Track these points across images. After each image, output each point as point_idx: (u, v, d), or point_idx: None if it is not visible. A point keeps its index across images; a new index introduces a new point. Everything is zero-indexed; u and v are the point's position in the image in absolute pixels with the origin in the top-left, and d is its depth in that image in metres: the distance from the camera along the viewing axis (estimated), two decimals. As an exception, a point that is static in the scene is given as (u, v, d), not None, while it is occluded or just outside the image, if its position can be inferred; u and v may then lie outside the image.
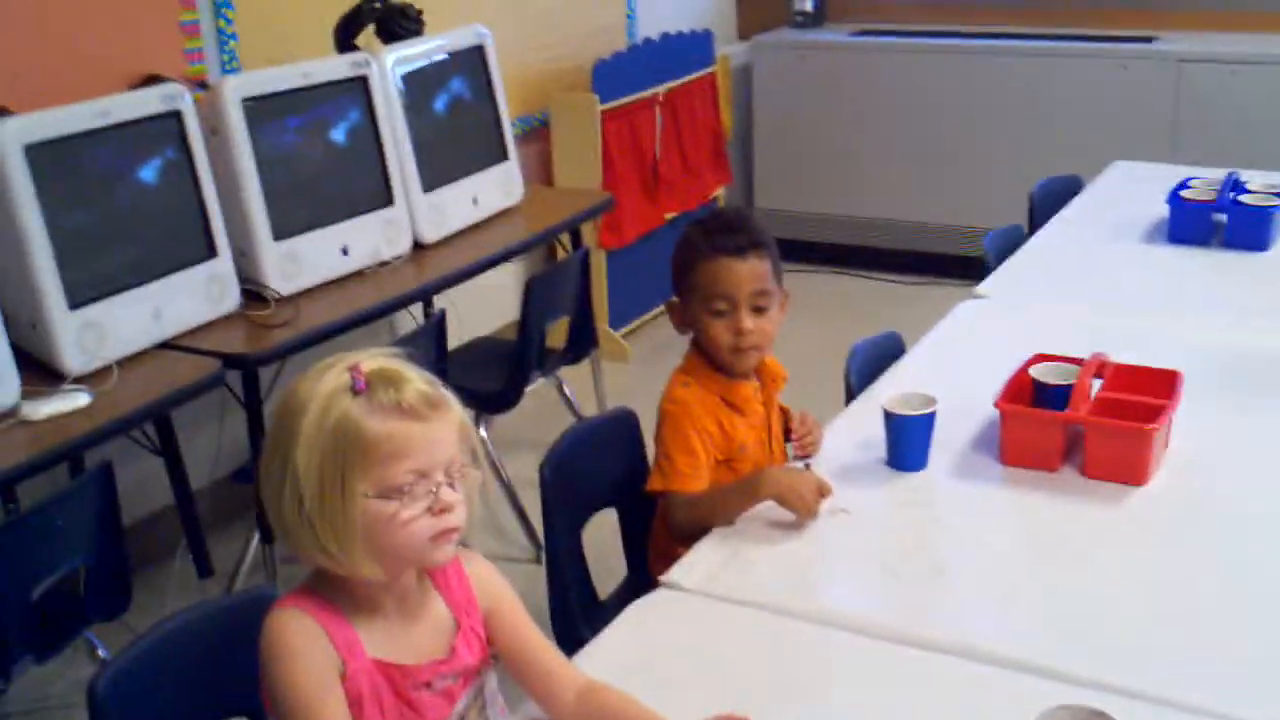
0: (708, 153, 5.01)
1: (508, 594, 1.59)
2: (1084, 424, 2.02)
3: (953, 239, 5.11)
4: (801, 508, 1.92)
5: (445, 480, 1.42)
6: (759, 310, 2.09)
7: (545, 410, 3.92)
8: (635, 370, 4.47)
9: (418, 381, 1.42)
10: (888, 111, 5.19)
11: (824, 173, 5.36)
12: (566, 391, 3.73)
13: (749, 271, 2.08)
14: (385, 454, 1.38)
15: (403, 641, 1.48)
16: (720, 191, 5.13)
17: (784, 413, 2.25)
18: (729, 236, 2.09)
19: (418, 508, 1.40)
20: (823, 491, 1.94)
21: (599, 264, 4.47)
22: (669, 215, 4.75)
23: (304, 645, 1.41)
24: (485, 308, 4.05)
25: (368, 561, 1.40)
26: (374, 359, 1.43)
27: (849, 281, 5.26)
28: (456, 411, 1.46)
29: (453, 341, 3.62)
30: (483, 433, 3.38)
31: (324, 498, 1.37)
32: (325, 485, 1.37)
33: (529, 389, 3.45)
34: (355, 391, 1.38)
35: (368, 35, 3.39)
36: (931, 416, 2.05)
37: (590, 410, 3.79)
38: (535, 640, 1.57)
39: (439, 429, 1.42)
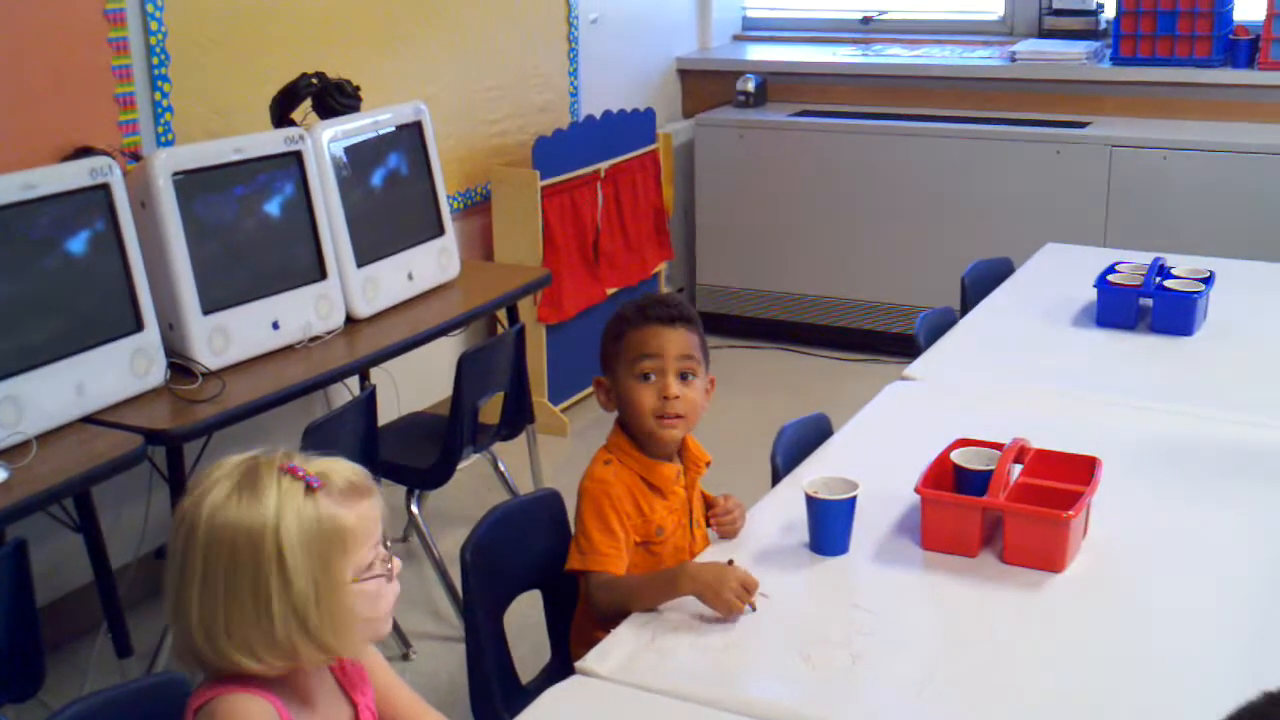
0: (649, 229, 5.03)
1: (379, 660, 1.66)
2: (1002, 510, 2.03)
3: (891, 317, 5.16)
4: (721, 607, 1.90)
5: (387, 547, 1.52)
6: (684, 377, 2.12)
7: (480, 485, 3.91)
8: (574, 444, 4.46)
9: (335, 461, 1.50)
10: (827, 190, 5.25)
11: (765, 249, 5.40)
12: (501, 467, 3.70)
13: (677, 337, 2.13)
14: (360, 537, 1.46)
15: None
16: (662, 267, 5.16)
17: (706, 499, 2.24)
18: (659, 307, 2.16)
19: (382, 581, 1.49)
20: (747, 586, 1.91)
21: (539, 338, 4.47)
22: (610, 290, 4.76)
23: None
24: (424, 382, 4.04)
25: (361, 644, 1.51)
26: (270, 458, 1.46)
27: (788, 358, 5.28)
28: None
29: (390, 416, 3.61)
30: (414, 509, 3.35)
31: (320, 599, 1.42)
32: (320, 586, 1.42)
33: (464, 464, 3.43)
34: (310, 488, 1.43)
35: (305, 110, 3.40)
36: (852, 502, 2.06)
37: (526, 485, 3.77)
38: (405, 697, 1.66)
39: (379, 501, 1.52)
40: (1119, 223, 4.78)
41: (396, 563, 1.52)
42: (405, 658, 3.20)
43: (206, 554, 1.41)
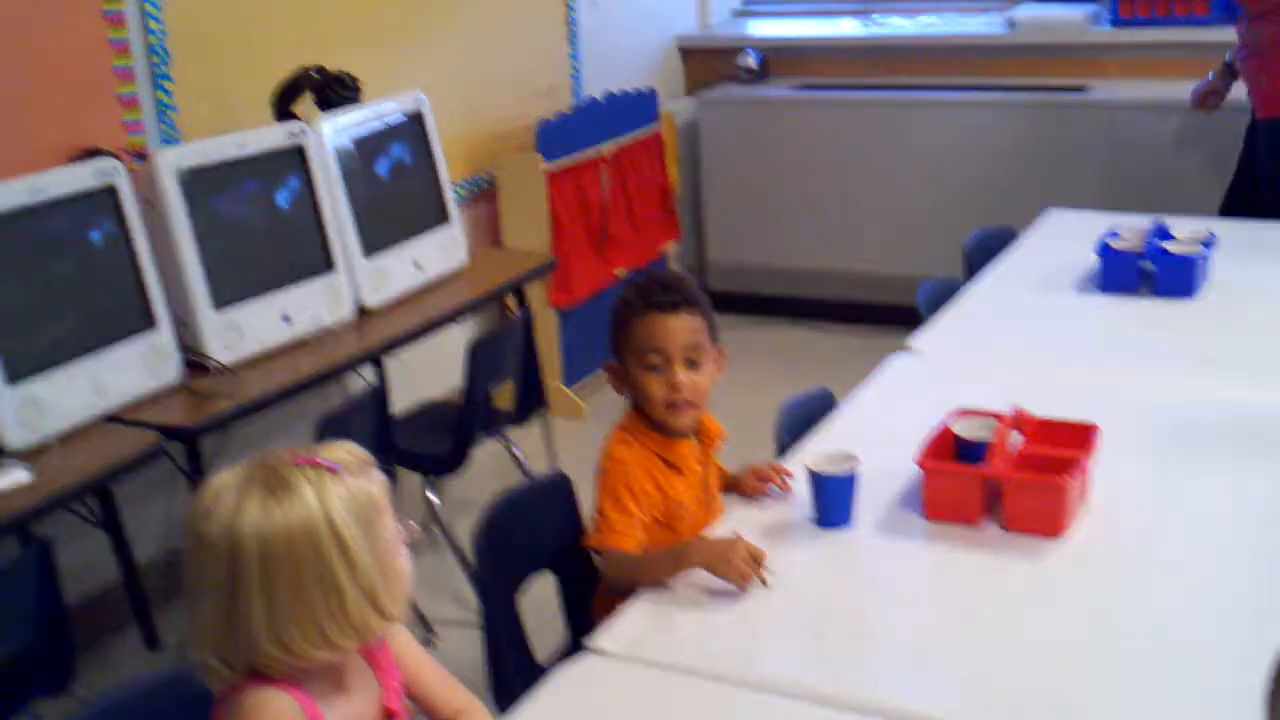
0: (656, 209, 5.06)
1: (408, 639, 1.70)
2: (1001, 478, 2.06)
3: (896, 289, 5.17)
4: (732, 576, 1.93)
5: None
6: (692, 365, 2.14)
7: (498, 471, 3.94)
8: (590, 427, 4.49)
9: (333, 445, 1.54)
10: (831, 163, 5.26)
11: (772, 225, 5.42)
12: (515, 452, 3.75)
13: (681, 326, 2.14)
14: (386, 503, 1.52)
15: (352, 711, 1.56)
16: (670, 247, 5.18)
17: (722, 474, 2.28)
18: (662, 294, 2.17)
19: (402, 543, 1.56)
20: (755, 557, 1.94)
21: (550, 323, 4.50)
22: (619, 272, 4.78)
23: None
24: (437, 371, 4.07)
25: (405, 605, 1.55)
26: (279, 460, 1.49)
27: (797, 332, 5.31)
28: None
29: (405, 404, 3.65)
30: (431, 496, 3.40)
31: (382, 569, 1.48)
32: (378, 557, 1.48)
33: (481, 450, 3.47)
34: (334, 473, 1.48)
35: (306, 103, 3.43)
36: (853, 476, 2.09)
37: (543, 470, 3.81)
38: (434, 674, 1.71)
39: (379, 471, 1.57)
40: (1121, 186, 4.78)
41: (412, 524, 1.58)
42: (429, 644, 3.25)
43: (264, 565, 1.43)
